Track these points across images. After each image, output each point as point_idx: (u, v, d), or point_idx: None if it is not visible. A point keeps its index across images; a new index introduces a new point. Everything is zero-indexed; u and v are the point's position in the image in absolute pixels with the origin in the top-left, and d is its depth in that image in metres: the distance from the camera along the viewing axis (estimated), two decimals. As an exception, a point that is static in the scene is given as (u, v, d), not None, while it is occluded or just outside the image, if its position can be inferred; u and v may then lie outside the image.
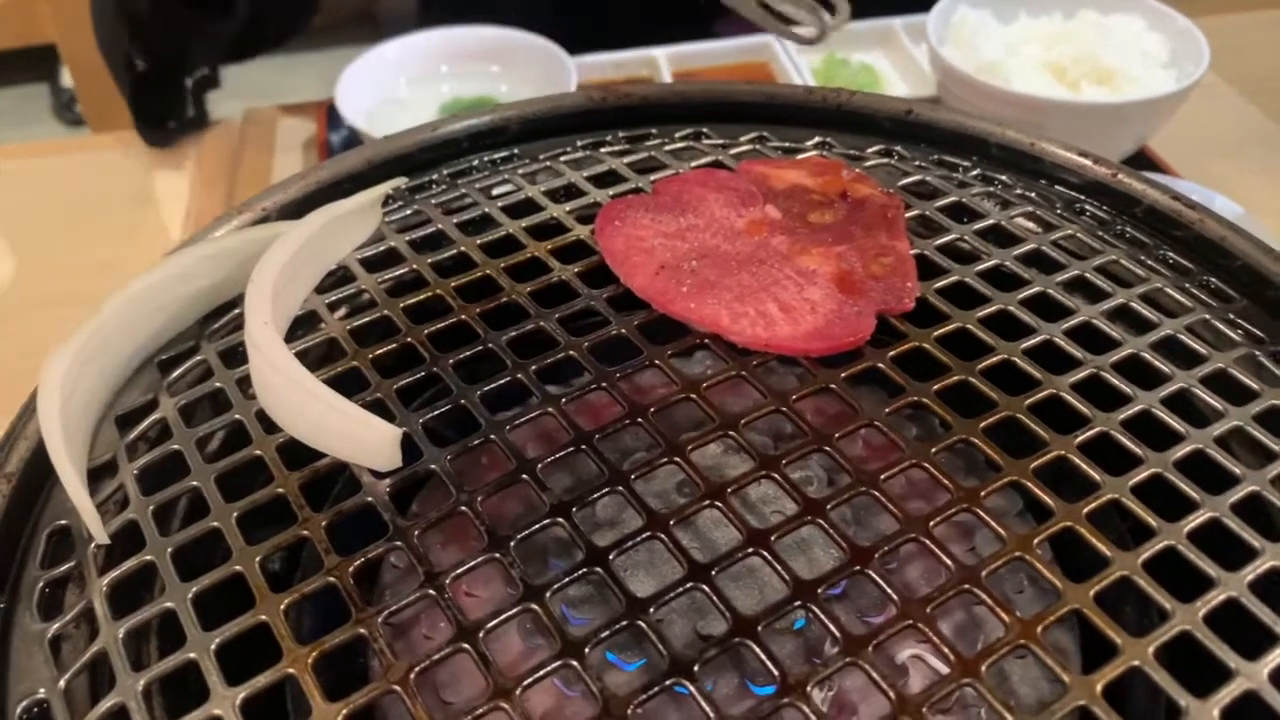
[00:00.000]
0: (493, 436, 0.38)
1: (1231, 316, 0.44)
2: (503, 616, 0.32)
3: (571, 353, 0.41)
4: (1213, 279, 0.46)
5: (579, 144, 0.56)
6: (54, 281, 0.88)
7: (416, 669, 0.31)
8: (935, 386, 0.39)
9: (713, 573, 0.33)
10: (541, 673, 0.31)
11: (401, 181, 0.52)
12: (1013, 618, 0.32)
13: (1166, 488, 0.36)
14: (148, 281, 0.43)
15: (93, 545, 0.37)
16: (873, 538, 0.35)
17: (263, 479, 0.38)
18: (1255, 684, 0.30)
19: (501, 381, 0.40)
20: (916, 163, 0.54)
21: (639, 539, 0.34)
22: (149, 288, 0.44)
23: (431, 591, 0.33)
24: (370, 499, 0.36)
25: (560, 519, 0.35)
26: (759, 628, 0.31)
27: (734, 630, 0.31)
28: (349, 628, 0.32)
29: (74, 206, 0.97)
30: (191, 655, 0.32)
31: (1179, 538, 0.34)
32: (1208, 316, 0.43)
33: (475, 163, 0.56)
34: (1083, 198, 0.52)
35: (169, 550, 0.36)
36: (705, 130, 0.58)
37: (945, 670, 0.31)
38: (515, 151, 0.57)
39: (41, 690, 0.34)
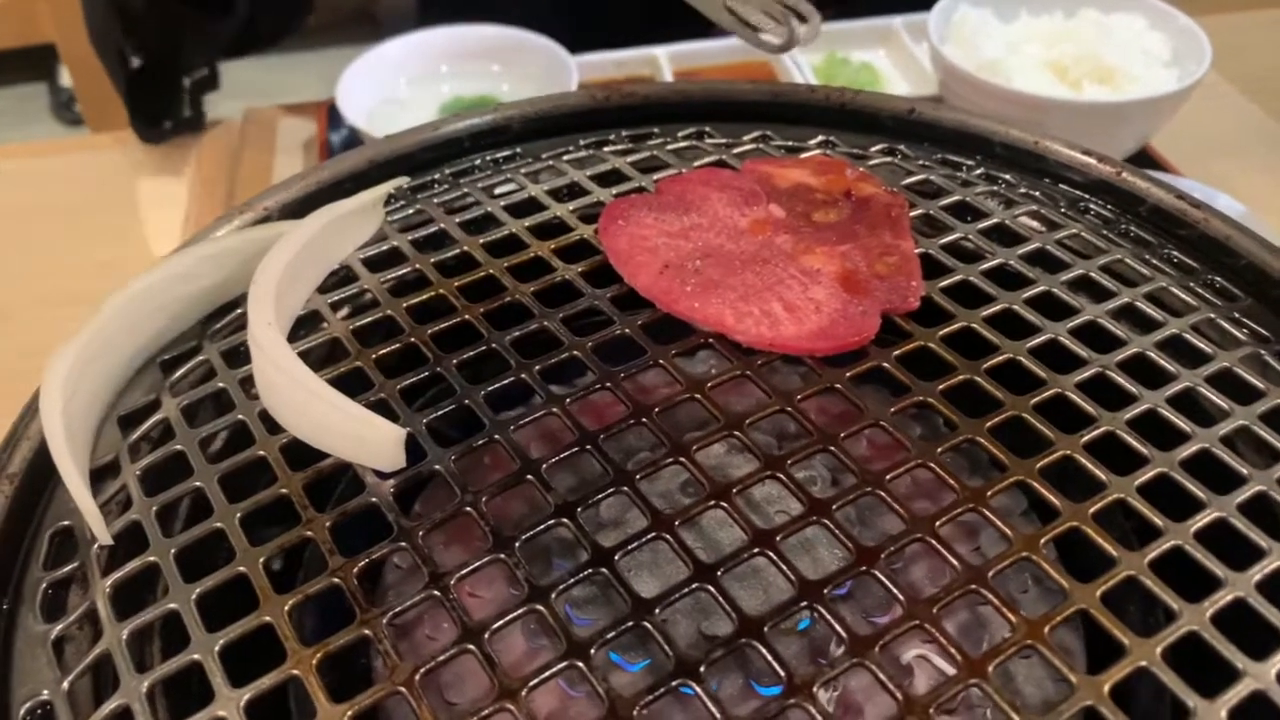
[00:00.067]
0: (497, 437, 0.38)
1: (1236, 315, 0.44)
2: (508, 617, 0.32)
3: (575, 352, 0.41)
4: (1217, 278, 0.46)
5: (581, 143, 0.56)
6: (54, 281, 0.87)
7: (421, 670, 0.31)
8: (940, 386, 0.39)
9: (718, 573, 0.33)
10: (547, 674, 0.31)
11: (403, 181, 0.52)
12: (1019, 618, 0.31)
13: (1173, 487, 0.36)
14: (149, 281, 0.43)
15: (96, 546, 0.37)
16: (878, 538, 0.35)
17: (266, 479, 0.37)
18: (1263, 684, 0.30)
19: (505, 381, 0.40)
20: (920, 161, 0.54)
21: (644, 539, 0.34)
22: (150, 288, 0.43)
23: (436, 592, 0.33)
24: (374, 499, 0.36)
25: (565, 519, 0.35)
26: (765, 628, 0.31)
27: (739, 631, 0.31)
28: (354, 629, 0.32)
29: (74, 206, 0.97)
30: (195, 656, 0.32)
31: (1186, 537, 0.34)
32: (1213, 315, 0.43)
33: (477, 162, 0.56)
34: (1087, 196, 0.52)
35: (172, 551, 0.36)
36: (708, 129, 0.57)
37: (951, 670, 0.31)
38: (517, 151, 0.57)
39: (45, 692, 0.34)
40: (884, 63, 1.06)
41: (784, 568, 0.33)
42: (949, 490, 0.36)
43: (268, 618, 0.33)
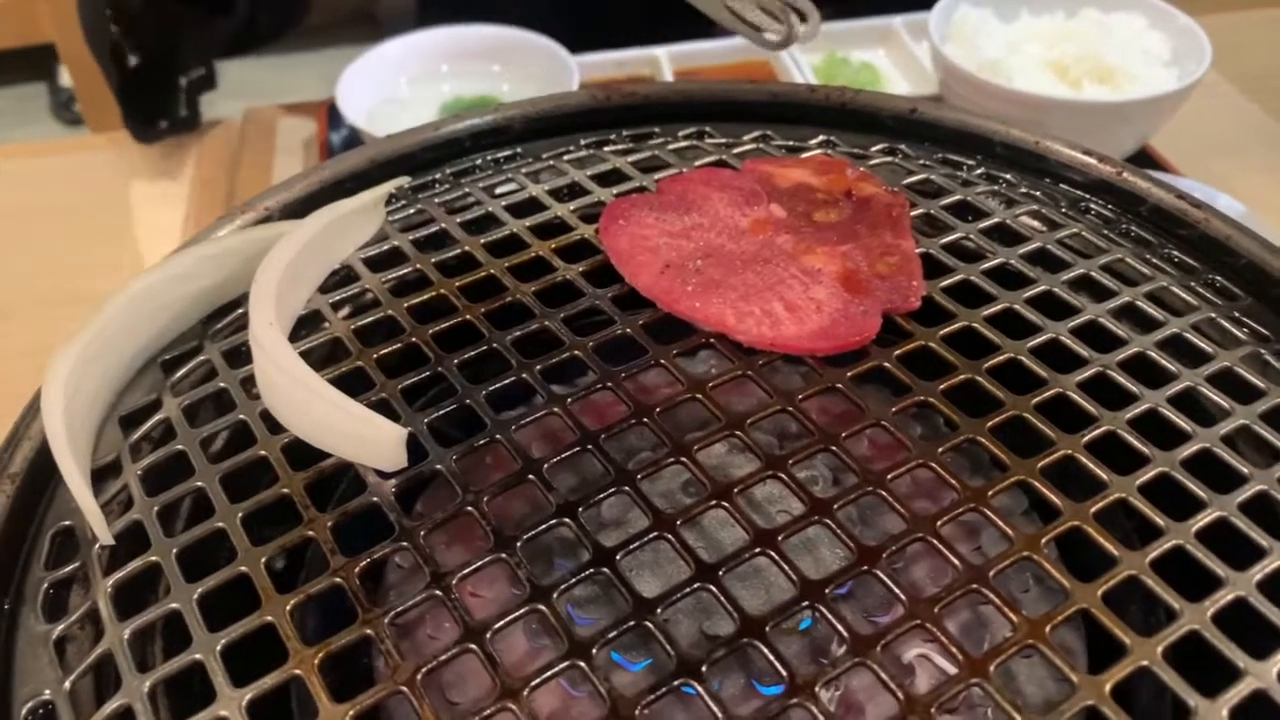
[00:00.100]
0: (498, 436, 0.38)
1: (1237, 315, 0.44)
2: (509, 617, 0.32)
3: (576, 352, 0.41)
4: (1218, 277, 0.46)
5: (582, 143, 0.56)
6: (54, 282, 0.87)
7: (423, 669, 0.31)
8: (941, 386, 0.39)
9: (719, 573, 0.33)
10: (549, 673, 0.31)
11: (404, 181, 0.52)
12: (1020, 617, 0.32)
13: (1174, 487, 0.36)
14: (150, 281, 0.43)
15: (97, 546, 0.37)
16: (879, 537, 0.35)
17: (267, 479, 0.37)
18: (1264, 684, 0.30)
19: (506, 381, 0.40)
20: (921, 161, 0.54)
21: (645, 539, 0.34)
22: (151, 287, 0.43)
23: (438, 592, 0.33)
24: (376, 499, 0.36)
25: (566, 519, 0.35)
26: (766, 628, 0.31)
27: (741, 630, 0.31)
28: (356, 628, 0.32)
29: (74, 206, 0.97)
30: (197, 656, 0.32)
31: (1187, 537, 0.34)
32: (1213, 315, 0.43)
33: (478, 162, 0.56)
34: (1087, 196, 0.52)
35: (174, 551, 0.36)
36: (709, 129, 0.57)
37: (953, 670, 0.31)
38: (518, 150, 0.57)
39: (46, 692, 0.34)
40: (884, 62, 1.06)
41: (785, 567, 0.33)
42: (950, 490, 0.36)
43: (269, 617, 0.33)
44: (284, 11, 1.06)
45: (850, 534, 0.34)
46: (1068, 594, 0.32)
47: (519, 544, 0.34)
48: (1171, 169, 0.91)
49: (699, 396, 0.39)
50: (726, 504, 0.35)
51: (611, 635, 0.31)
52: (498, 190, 0.52)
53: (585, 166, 0.52)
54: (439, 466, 0.37)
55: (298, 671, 0.31)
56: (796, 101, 0.58)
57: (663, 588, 0.33)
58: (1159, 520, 0.34)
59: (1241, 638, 0.31)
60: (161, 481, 0.38)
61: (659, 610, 0.32)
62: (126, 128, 0.98)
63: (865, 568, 0.33)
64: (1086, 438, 0.37)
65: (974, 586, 0.32)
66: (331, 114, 1.00)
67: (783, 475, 0.36)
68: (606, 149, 0.55)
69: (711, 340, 0.41)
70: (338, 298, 0.45)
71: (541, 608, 0.32)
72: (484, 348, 0.42)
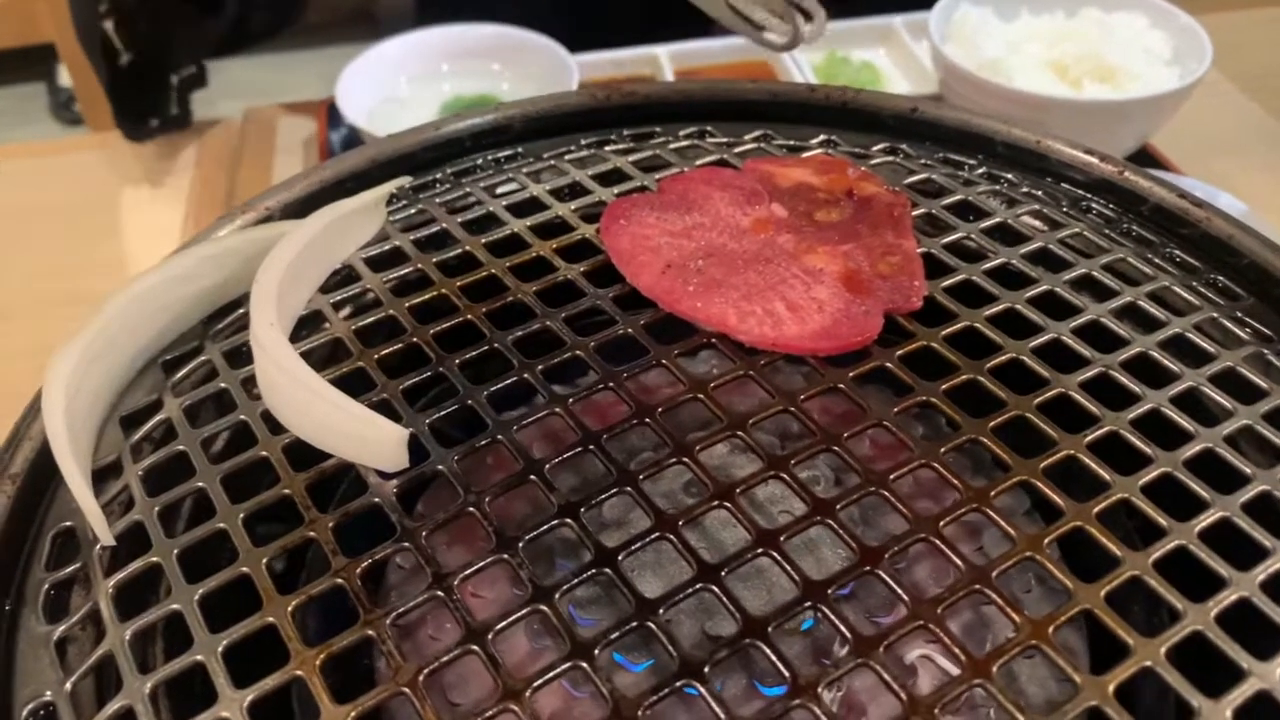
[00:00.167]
0: (500, 437, 0.38)
1: (1239, 314, 0.44)
2: (511, 618, 0.32)
3: (578, 352, 0.41)
4: (1220, 277, 0.46)
5: (583, 142, 0.56)
6: (53, 282, 0.87)
7: (425, 670, 0.31)
8: (944, 386, 0.39)
9: (722, 573, 0.33)
10: (551, 674, 0.31)
11: (405, 180, 0.52)
12: (1023, 618, 0.31)
13: (1176, 487, 0.36)
14: (151, 282, 0.43)
15: (98, 547, 0.37)
16: (881, 538, 0.34)
17: (269, 480, 0.37)
18: (1268, 684, 0.30)
19: (508, 381, 0.40)
20: (922, 160, 0.54)
21: (647, 539, 0.34)
22: (152, 288, 0.43)
23: (439, 593, 0.33)
24: (377, 500, 0.36)
25: (568, 519, 0.35)
26: (769, 629, 0.31)
27: (743, 631, 0.31)
28: (357, 629, 0.32)
29: (73, 206, 0.96)
30: (199, 657, 0.32)
31: (1190, 537, 0.34)
32: (1215, 315, 0.43)
33: (479, 161, 0.56)
34: (1089, 195, 0.52)
35: (175, 552, 0.36)
36: (709, 129, 0.57)
37: (955, 671, 0.31)
38: (519, 150, 0.57)
39: (48, 693, 0.34)
40: (884, 62, 1.06)
41: (788, 568, 0.33)
42: (952, 490, 0.36)
43: (271, 618, 0.33)
44: (277, 9, 1.06)
45: (852, 534, 0.34)
46: (1070, 594, 0.32)
47: (521, 544, 0.34)
48: (1172, 168, 0.91)
49: (701, 397, 0.39)
50: (728, 504, 0.35)
51: (614, 636, 0.31)
52: (499, 190, 0.52)
53: (586, 166, 0.52)
54: (440, 467, 0.37)
55: (299, 672, 0.31)
56: (797, 101, 0.58)
57: (665, 588, 0.33)
58: (1162, 520, 0.34)
59: (1245, 638, 0.31)
60: (162, 482, 0.38)
61: (661, 611, 0.32)
62: (117, 125, 0.98)
63: (867, 568, 0.33)
64: (1089, 438, 0.37)
65: (976, 587, 0.32)
66: (331, 113, 1.00)
67: (785, 475, 0.36)
68: (607, 148, 0.55)
69: (713, 340, 0.41)
70: (339, 298, 0.45)
71: (543, 608, 0.32)
72: (485, 348, 0.42)
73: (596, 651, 0.31)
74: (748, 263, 0.44)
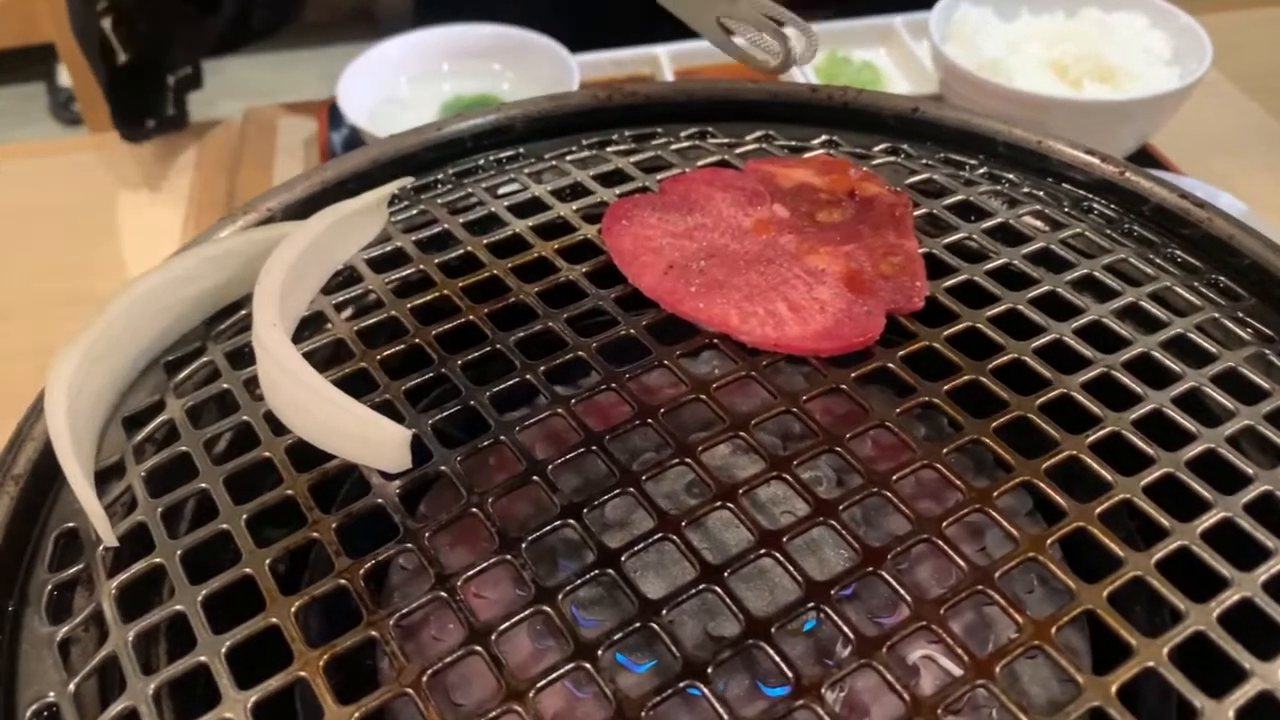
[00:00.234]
0: (502, 438, 0.38)
1: (1240, 315, 0.44)
2: (514, 618, 0.32)
3: (580, 353, 0.41)
4: (1221, 277, 0.46)
5: (584, 143, 0.56)
6: (53, 282, 0.87)
7: (429, 671, 0.31)
8: (946, 386, 0.39)
9: (724, 574, 0.33)
10: (554, 675, 0.31)
11: (407, 181, 0.52)
12: (1025, 618, 0.31)
13: (1179, 487, 0.36)
14: (153, 282, 0.43)
15: (101, 548, 0.37)
16: (884, 538, 0.35)
17: (271, 481, 0.37)
18: (1270, 685, 0.30)
19: (510, 382, 0.40)
20: (923, 161, 0.54)
21: (650, 540, 0.34)
22: (154, 289, 0.43)
23: (442, 593, 0.33)
24: (380, 500, 0.36)
25: (571, 520, 0.35)
26: (772, 629, 0.31)
27: (746, 632, 0.31)
28: (360, 630, 0.32)
29: (73, 206, 0.96)
30: (202, 658, 0.32)
31: (1192, 538, 0.34)
32: (1217, 315, 0.43)
33: (481, 162, 0.56)
34: (1090, 196, 0.52)
35: (178, 553, 0.36)
36: (711, 129, 0.57)
37: (958, 671, 0.31)
38: (520, 151, 0.57)
39: (51, 694, 0.34)
40: (885, 62, 1.06)
41: (790, 568, 0.33)
42: (955, 491, 0.36)
43: (274, 619, 0.33)
44: (276, 8, 1.05)
45: (855, 535, 0.34)
46: (1073, 595, 0.32)
47: (523, 545, 0.34)
48: (1172, 168, 0.91)
49: (703, 397, 0.39)
50: (731, 505, 0.35)
51: (617, 637, 0.31)
52: (500, 190, 0.52)
53: (588, 167, 0.52)
54: (443, 468, 0.37)
55: (303, 673, 0.31)
56: (798, 101, 0.58)
57: (668, 589, 0.33)
58: (1164, 521, 0.34)
59: (1247, 639, 0.31)
60: (165, 483, 0.38)
61: (664, 611, 0.32)
62: (114, 126, 0.98)
63: (870, 569, 0.33)
64: (1091, 438, 0.37)
65: (979, 587, 0.32)
66: (332, 113, 1.00)
67: (787, 476, 0.36)
68: (609, 149, 0.55)
69: (715, 341, 0.41)
70: (341, 299, 0.45)
71: (546, 609, 0.32)
72: (487, 349, 0.42)
73: (599, 652, 0.31)
74: (750, 263, 0.44)
